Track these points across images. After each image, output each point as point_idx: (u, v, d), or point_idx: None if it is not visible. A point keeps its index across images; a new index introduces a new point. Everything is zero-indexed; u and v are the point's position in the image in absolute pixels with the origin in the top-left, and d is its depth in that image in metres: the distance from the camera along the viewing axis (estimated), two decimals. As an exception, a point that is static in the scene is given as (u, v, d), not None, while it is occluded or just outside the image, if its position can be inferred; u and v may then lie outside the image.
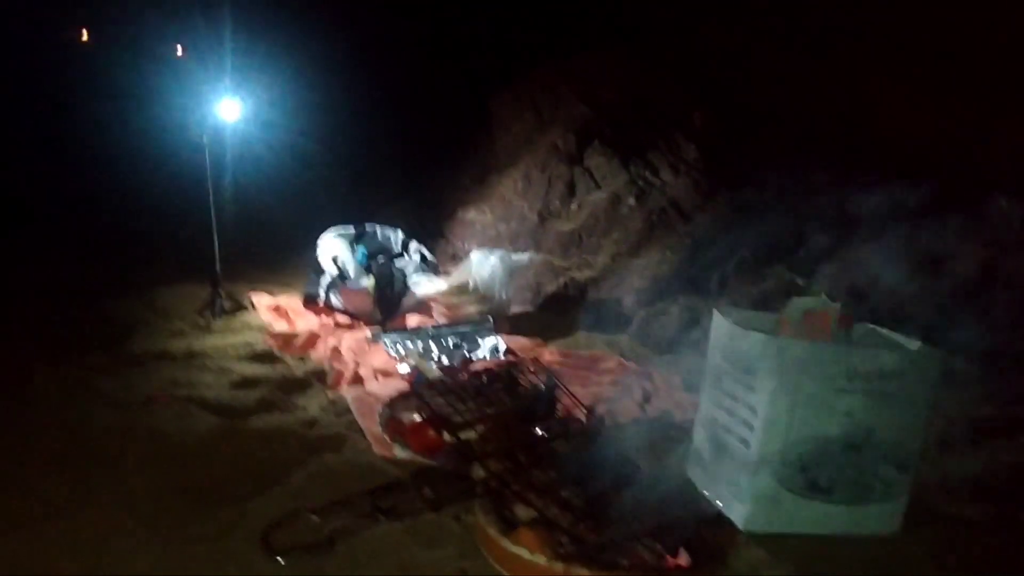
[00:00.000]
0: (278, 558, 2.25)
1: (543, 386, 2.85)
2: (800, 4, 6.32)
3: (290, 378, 3.91)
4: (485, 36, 6.85)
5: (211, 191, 4.85)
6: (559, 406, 3.30)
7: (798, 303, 2.83)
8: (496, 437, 2.60)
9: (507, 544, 2.23)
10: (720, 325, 2.91)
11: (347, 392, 3.68)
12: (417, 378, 3.86)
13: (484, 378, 2.79)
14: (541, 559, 2.20)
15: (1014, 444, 3.58)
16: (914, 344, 2.84)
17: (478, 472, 2.48)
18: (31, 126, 7.15)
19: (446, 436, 2.65)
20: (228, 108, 4.81)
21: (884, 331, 2.99)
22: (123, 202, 6.05)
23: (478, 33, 6.96)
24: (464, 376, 2.84)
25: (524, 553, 2.23)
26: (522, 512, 2.32)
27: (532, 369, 3.05)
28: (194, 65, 5.08)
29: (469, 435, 2.64)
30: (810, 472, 2.71)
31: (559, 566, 2.17)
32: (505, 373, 2.82)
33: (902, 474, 2.80)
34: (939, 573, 2.64)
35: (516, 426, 2.70)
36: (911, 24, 5.69)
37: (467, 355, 4.35)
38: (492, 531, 2.26)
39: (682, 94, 6.41)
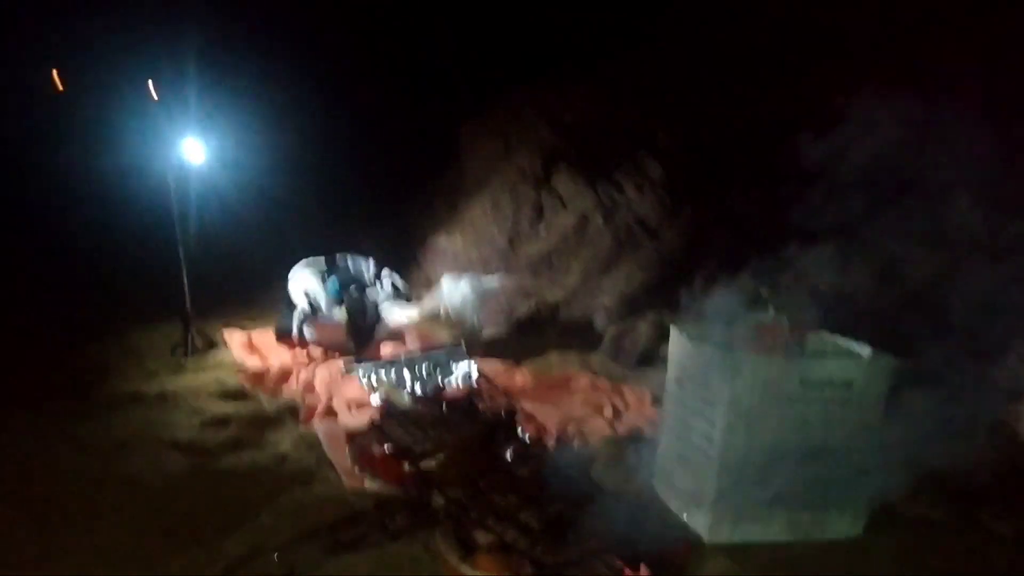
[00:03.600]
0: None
1: (503, 411, 2.89)
2: (755, 23, 6.47)
3: (261, 415, 3.93)
4: (452, 65, 6.95)
5: (179, 231, 4.89)
6: (527, 429, 3.35)
7: (751, 318, 2.91)
8: (456, 464, 2.64)
9: (466, 569, 2.27)
10: (677, 340, 2.98)
11: (319, 426, 3.70)
12: (388, 408, 3.90)
13: (444, 406, 2.83)
14: (499, 583, 2.24)
15: (976, 444, 3.65)
16: (865, 351, 2.92)
17: (438, 500, 2.51)
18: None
19: (406, 466, 2.69)
20: (193, 149, 4.86)
21: (838, 339, 3.07)
22: (94, 244, 6.07)
23: (445, 63, 7.06)
24: (423, 407, 2.87)
25: (482, 577, 2.27)
26: (481, 537, 2.35)
27: (491, 394, 3.10)
28: (161, 108, 5.11)
29: (430, 464, 2.68)
30: (770, 481, 2.77)
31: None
32: (465, 400, 2.87)
33: (861, 478, 2.86)
34: (901, 574, 2.70)
35: (476, 452, 2.74)
36: (865, 31, 5.83)
37: (440, 383, 4.39)
38: (451, 557, 2.30)
39: (645, 115, 6.52)
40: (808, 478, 2.79)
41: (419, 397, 3.71)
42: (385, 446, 2.91)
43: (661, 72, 6.58)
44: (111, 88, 6.60)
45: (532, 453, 2.85)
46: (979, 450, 3.59)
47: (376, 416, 2.98)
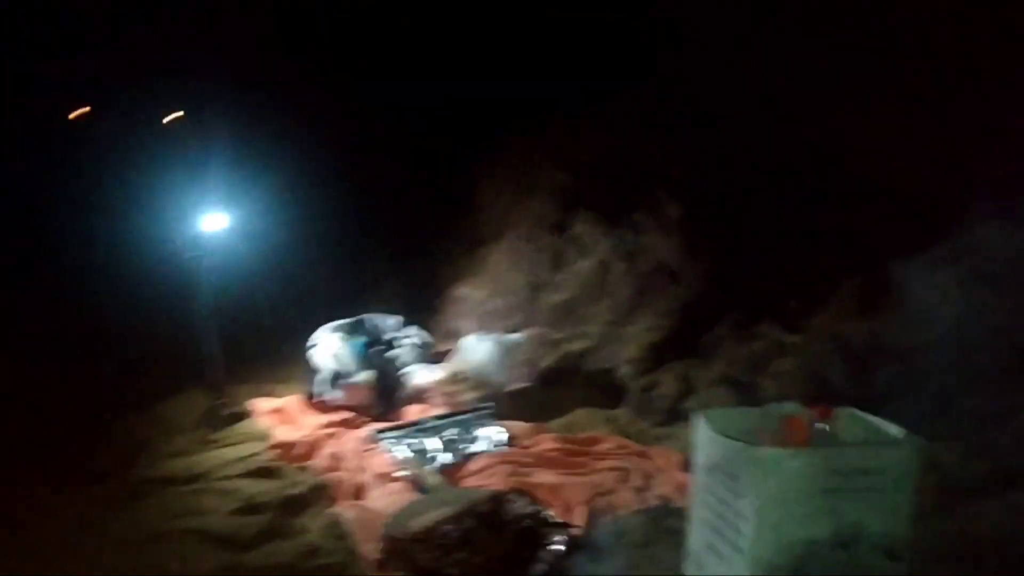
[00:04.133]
0: None
1: (529, 520, 2.89)
2: (770, 52, 6.41)
3: (290, 496, 3.94)
4: (463, 112, 6.98)
5: (203, 300, 4.96)
6: (553, 507, 3.35)
7: (774, 409, 2.87)
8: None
9: None
10: (702, 430, 2.95)
11: (348, 510, 3.72)
12: (417, 485, 3.92)
13: (468, 522, 2.83)
14: None
15: (1007, 503, 3.56)
16: (896, 431, 2.86)
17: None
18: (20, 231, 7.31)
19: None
20: (216, 220, 4.95)
21: (866, 417, 3.01)
22: (119, 314, 6.16)
23: (457, 110, 7.10)
24: (448, 527, 2.85)
25: None
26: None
27: (517, 498, 3.09)
28: (182, 180, 5.20)
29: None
30: (803, 573, 2.73)
31: None
32: (489, 514, 2.86)
33: (894, 562, 2.80)
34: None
35: (503, 573, 2.73)
36: (888, 63, 5.73)
37: (467, 449, 4.41)
38: None
39: (661, 152, 6.49)
40: (842, 568, 2.74)
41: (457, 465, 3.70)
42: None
43: (677, 109, 6.54)
44: (134, 162, 6.73)
45: (560, 563, 2.82)
46: (1012, 508, 3.51)
47: (399, 538, 2.98)
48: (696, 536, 3.05)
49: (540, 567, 2.75)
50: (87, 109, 8.13)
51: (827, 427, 2.90)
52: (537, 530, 2.84)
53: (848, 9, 5.83)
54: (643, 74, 6.94)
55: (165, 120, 7.07)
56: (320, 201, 6.66)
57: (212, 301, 5.00)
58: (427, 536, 2.84)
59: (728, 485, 2.80)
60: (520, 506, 2.95)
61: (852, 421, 3.02)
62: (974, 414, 4.06)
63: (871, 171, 5.71)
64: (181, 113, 7.07)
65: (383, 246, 6.92)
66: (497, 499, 3.01)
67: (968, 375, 4.20)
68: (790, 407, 2.87)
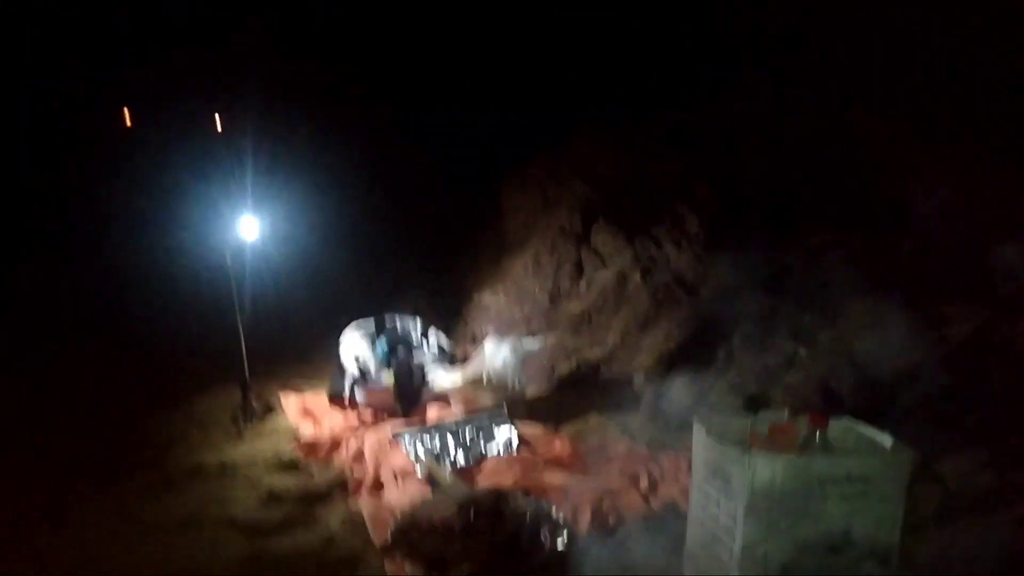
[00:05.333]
0: None
1: (529, 515, 3.04)
2: (794, 68, 6.51)
3: (313, 489, 4.16)
4: (491, 123, 7.19)
5: (236, 300, 5.20)
6: (561, 507, 3.50)
7: (764, 416, 3.00)
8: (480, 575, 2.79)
9: None
10: (699, 435, 3.09)
11: (365, 504, 3.91)
12: (431, 482, 4.10)
13: (471, 512, 3.00)
14: None
15: (1013, 516, 3.63)
16: (886, 441, 2.97)
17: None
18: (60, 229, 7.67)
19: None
20: (249, 225, 5.19)
21: (860, 426, 3.12)
22: (155, 314, 6.46)
23: (484, 121, 7.30)
24: (452, 517, 3.02)
25: None
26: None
27: (520, 493, 3.25)
28: (218, 189, 5.47)
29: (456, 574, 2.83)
30: (794, 575, 2.85)
31: None
32: (490, 506, 3.02)
33: (883, 568, 2.92)
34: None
35: (504, 562, 2.89)
36: (913, 81, 5.81)
37: (482, 451, 4.57)
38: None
39: (681, 166, 6.62)
40: (832, 572, 2.86)
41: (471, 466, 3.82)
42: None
43: (698, 127, 6.68)
44: (173, 168, 7.04)
45: (560, 555, 2.97)
46: (1017, 521, 3.57)
47: (405, 526, 3.15)
48: (694, 537, 3.19)
49: (538, 559, 2.90)
50: (128, 119, 8.50)
51: (820, 435, 3.02)
52: (537, 524, 3.00)
53: (867, 26, 5.94)
54: (667, 93, 7.09)
55: (203, 129, 7.39)
56: (350, 208, 6.92)
57: (245, 302, 5.25)
58: (432, 526, 3.01)
59: (722, 488, 2.94)
60: (522, 503, 3.11)
61: (846, 430, 3.14)
62: (979, 428, 4.14)
63: (888, 191, 5.80)
64: (219, 122, 7.38)
65: (410, 252, 7.14)
66: (500, 495, 3.18)
67: (974, 390, 4.28)
68: (779, 414, 2.99)
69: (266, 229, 5.27)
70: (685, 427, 4.84)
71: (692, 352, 5.37)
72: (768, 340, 5.26)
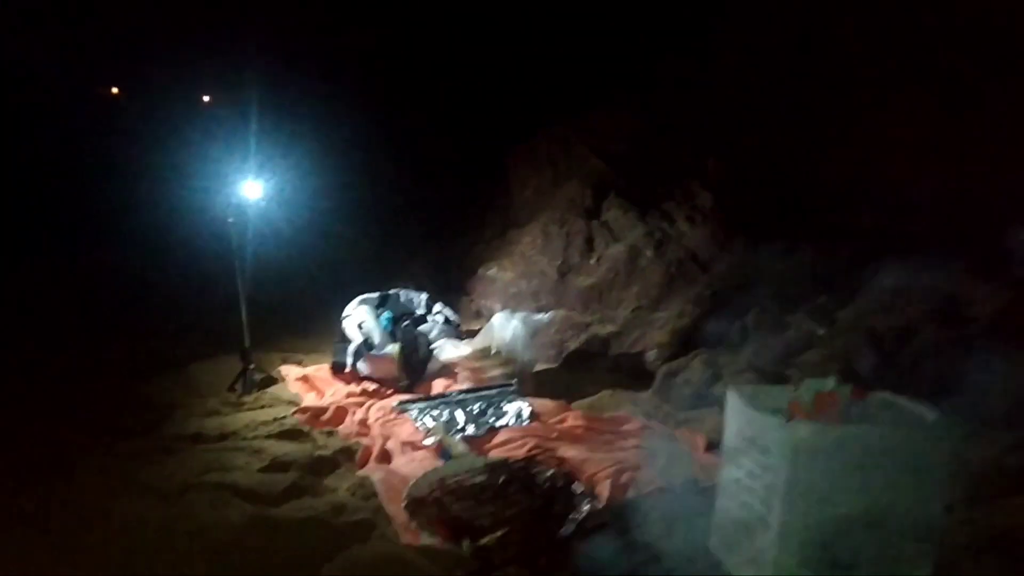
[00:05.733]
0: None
1: (560, 481, 2.91)
2: (809, 49, 6.37)
3: (318, 457, 4.00)
4: (501, 95, 7.02)
5: (238, 267, 5.02)
6: (578, 481, 3.36)
7: (810, 384, 2.86)
8: (514, 542, 2.65)
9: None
10: (734, 404, 2.95)
11: (374, 472, 3.76)
12: (442, 453, 3.95)
13: (502, 477, 2.86)
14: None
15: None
16: (930, 414, 2.84)
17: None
18: (58, 195, 7.45)
19: (465, 545, 2.70)
20: (252, 188, 5.00)
21: (901, 400, 2.99)
22: (154, 279, 6.27)
23: (494, 92, 7.13)
24: (483, 477, 2.89)
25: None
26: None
27: (548, 461, 3.11)
28: (220, 147, 5.26)
29: (490, 539, 2.69)
30: (831, 550, 2.72)
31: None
32: (521, 471, 2.88)
33: (924, 545, 2.80)
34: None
35: (534, 528, 2.75)
36: (923, 65, 5.69)
37: (493, 423, 4.43)
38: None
39: (694, 142, 6.48)
40: (871, 547, 2.74)
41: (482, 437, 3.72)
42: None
43: (712, 102, 6.53)
44: (170, 128, 6.83)
45: (590, 524, 2.84)
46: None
47: (425, 493, 3.00)
48: (724, 511, 3.06)
49: (569, 527, 2.77)
50: (118, 88, 8.27)
51: (861, 409, 2.89)
52: (568, 492, 2.87)
53: (880, 14, 5.81)
54: (681, 66, 6.94)
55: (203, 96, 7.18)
56: (358, 177, 6.73)
57: (247, 269, 5.07)
58: (459, 488, 2.87)
59: (759, 460, 2.80)
60: (551, 471, 2.97)
61: (886, 404, 3.01)
62: (1004, 411, 4.03)
63: (904, 170, 5.68)
64: (221, 86, 7.17)
65: (417, 224, 6.98)
66: (530, 461, 3.04)
67: (1001, 372, 4.18)
68: (826, 383, 2.85)
69: (273, 192, 5.08)
70: (700, 404, 4.78)
71: (706, 329, 5.25)
72: (784, 318, 5.15)
